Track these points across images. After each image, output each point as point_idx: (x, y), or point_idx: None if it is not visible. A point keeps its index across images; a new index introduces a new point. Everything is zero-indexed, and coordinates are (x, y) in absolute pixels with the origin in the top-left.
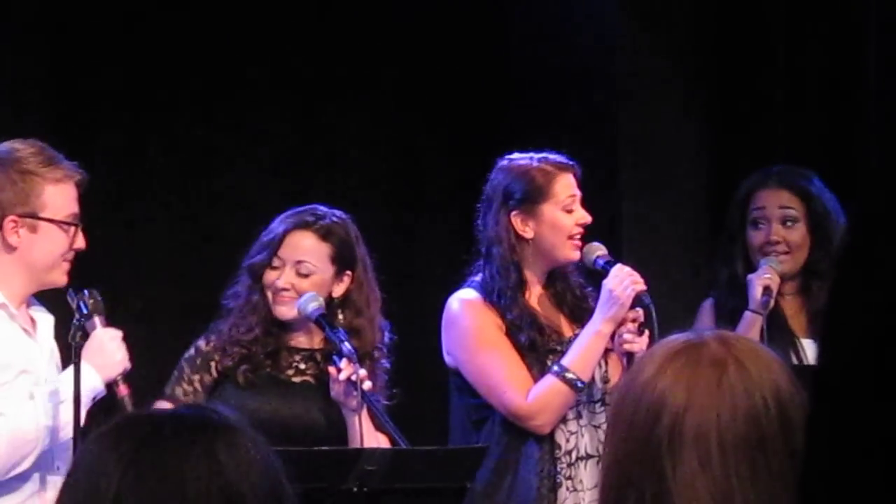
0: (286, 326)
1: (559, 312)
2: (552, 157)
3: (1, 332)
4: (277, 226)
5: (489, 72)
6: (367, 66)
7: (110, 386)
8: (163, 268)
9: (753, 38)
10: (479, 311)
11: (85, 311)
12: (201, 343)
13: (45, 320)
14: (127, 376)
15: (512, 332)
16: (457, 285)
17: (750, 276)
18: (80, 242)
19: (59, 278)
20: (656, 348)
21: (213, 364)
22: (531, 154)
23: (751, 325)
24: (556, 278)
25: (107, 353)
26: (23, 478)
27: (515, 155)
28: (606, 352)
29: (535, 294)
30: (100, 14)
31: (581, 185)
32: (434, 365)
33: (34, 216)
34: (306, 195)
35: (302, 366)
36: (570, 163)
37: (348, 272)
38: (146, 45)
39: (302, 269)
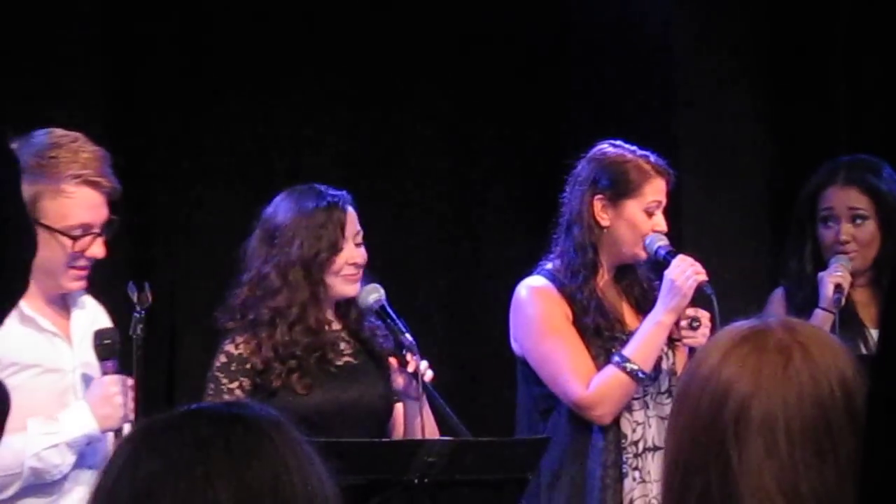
0: None
1: (624, 302)
2: (653, 157)
3: (9, 332)
4: (323, 209)
5: (549, 70)
6: (434, 68)
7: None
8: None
9: (812, 30)
10: (547, 299)
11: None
12: (230, 348)
13: (83, 316)
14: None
15: (578, 317)
16: (522, 274)
17: (821, 274)
18: (95, 251)
19: (68, 284)
20: (721, 335)
21: (249, 367)
22: (634, 147)
23: (822, 323)
24: (625, 272)
25: (115, 405)
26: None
27: (619, 142)
28: (673, 342)
29: (603, 281)
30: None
31: (670, 195)
32: (501, 355)
33: (36, 222)
34: (367, 190)
35: (341, 346)
36: (668, 169)
37: None
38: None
39: (358, 238)
